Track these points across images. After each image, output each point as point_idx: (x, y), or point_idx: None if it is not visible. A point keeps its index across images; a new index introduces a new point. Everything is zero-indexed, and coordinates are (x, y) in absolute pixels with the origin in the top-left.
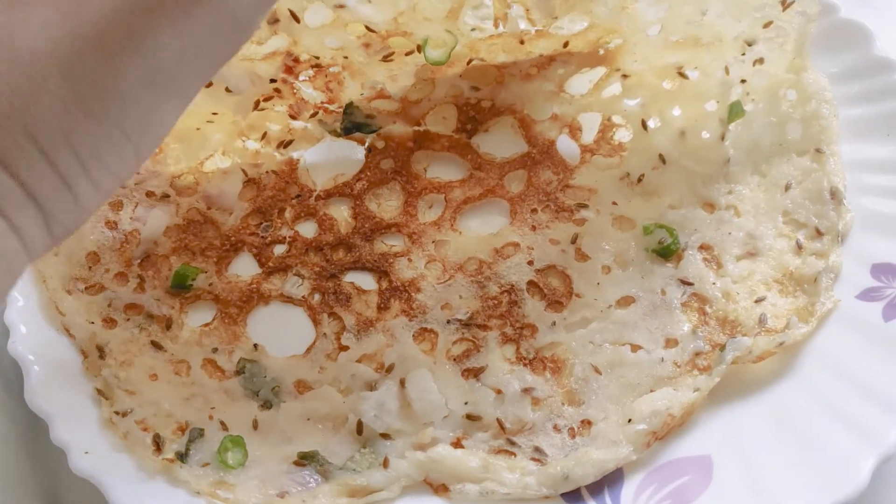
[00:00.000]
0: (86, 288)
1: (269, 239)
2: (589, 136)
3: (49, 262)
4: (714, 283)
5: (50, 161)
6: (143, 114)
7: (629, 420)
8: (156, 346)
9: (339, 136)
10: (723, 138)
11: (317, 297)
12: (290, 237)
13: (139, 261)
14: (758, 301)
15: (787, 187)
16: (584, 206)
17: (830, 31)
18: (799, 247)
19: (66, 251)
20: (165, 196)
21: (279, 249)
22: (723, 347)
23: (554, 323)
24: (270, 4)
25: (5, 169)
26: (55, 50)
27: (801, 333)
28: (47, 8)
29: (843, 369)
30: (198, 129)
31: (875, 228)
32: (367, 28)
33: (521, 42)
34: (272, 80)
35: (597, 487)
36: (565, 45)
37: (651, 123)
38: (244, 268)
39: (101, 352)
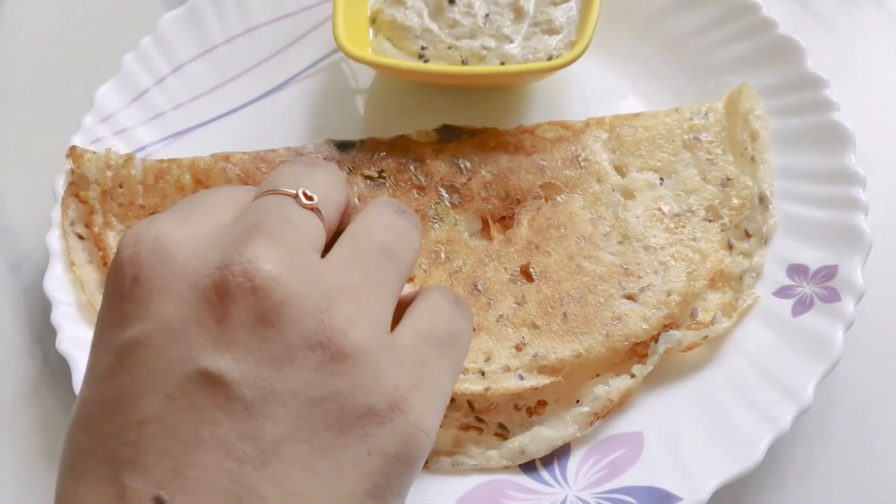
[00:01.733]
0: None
1: None
2: None
3: (86, 269)
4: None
5: None
6: None
7: (577, 401)
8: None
9: None
10: None
11: None
12: None
13: None
14: None
15: (727, 183)
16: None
17: (767, 47)
18: (730, 246)
19: (98, 260)
20: None
21: None
22: (656, 339)
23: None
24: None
25: None
26: None
27: (723, 328)
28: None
29: (756, 359)
30: None
31: (794, 232)
32: None
33: None
34: None
35: (548, 459)
36: None
37: None
38: None
39: None
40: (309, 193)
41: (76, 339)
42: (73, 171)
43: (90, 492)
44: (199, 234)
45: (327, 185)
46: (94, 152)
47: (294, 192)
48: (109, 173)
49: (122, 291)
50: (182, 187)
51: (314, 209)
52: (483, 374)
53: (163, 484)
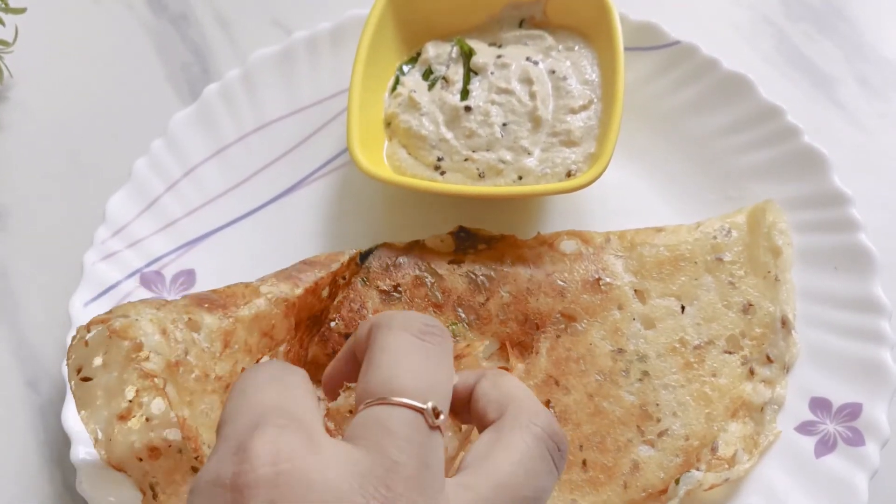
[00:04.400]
0: (119, 417)
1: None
2: None
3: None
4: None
5: None
6: None
7: None
8: (195, 470)
9: None
10: None
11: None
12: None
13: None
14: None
15: (748, 309)
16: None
17: (792, 156)
18: (751, 372)
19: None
20: None
21: None
22: (678, 481)
23: None
24: None
25: None
26: None
27: (744, 469)
28: None
29: (775, 501)
30: None
31: (817, 361)
32: None
33: None
34: None
35: None
36: None
37: None
38: None
39: (154, 491)
40: (438, 409)
41: (94, 480)
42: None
43: None
44: (335, 466)
45: (434, 374)
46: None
47: (422, 406)
48: (159, 338)
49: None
50: (250, 349)
51: (440, 428)
52: None
53: None
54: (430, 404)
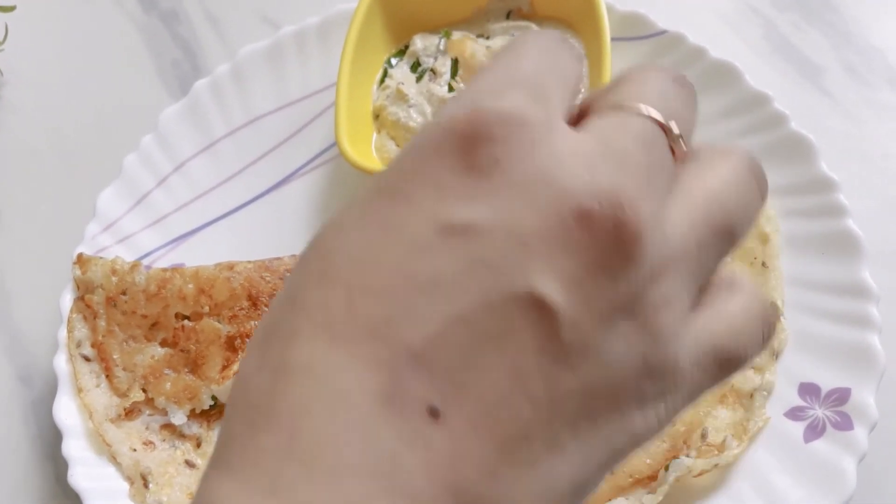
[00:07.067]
0: (126, 413)
1: None
2: None
3: (94, 394)
4: None
5: None
6: None
7: None
8: (189, 464)
9: None
10: None
11: None
12: None
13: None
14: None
15: None
16: None
17: (779, 143)
18: None
19: (104, 381)
20: None
21: None
22: (667, 467)
23: None
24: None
25: None
26: None
27: (733, 455)
28: None
29: (764, 486)
30: None
31: (805, 347)
32: None
33: None
34: None
35: None
36: None
37: None
38: None
39: (145, 480)
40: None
41: (87, 473)
42: (77, 281)
43: (351, 363)
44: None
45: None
46: (102, 258)
47: (669, 124)
48: (115, 279)
49: (471, 163)
50: (184, 297)
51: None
52: None
53: (444, 394)
54: (675, 127)
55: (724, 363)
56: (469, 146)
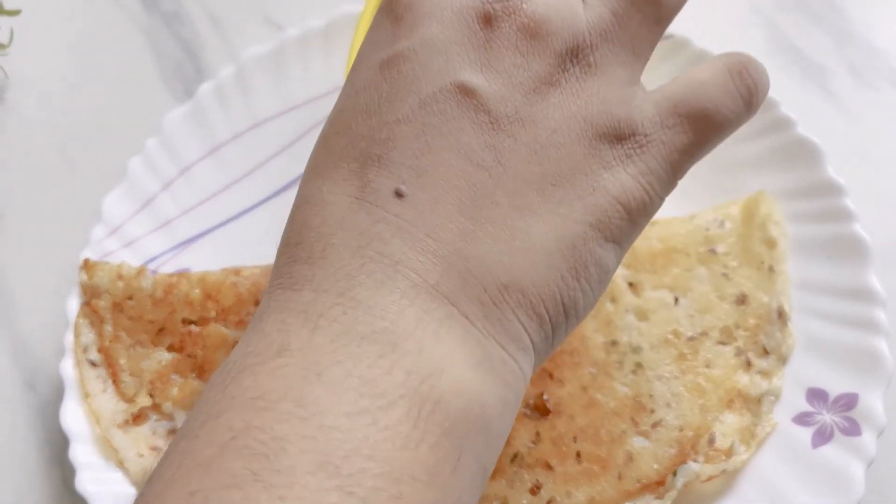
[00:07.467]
0: (133, 419)
1: None
2: None
3: (101, 399)
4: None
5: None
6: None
7: None
8: None
9: None
10: None
11: None
12: None
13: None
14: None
15: (742, 300)
16: None
17: (786, 147)
18: (748, 363)
19: (111, 386)
20: None
21: None
22: (675, 473)
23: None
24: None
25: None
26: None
27: (741, 460)
28: None
29: (772, 492)
30: None
31: (813, 352)
32: None
33: None
34: None
35: None
36: None
37: None
38: None
39: None
40: None
41: (94, 478)
42: (83, 287)
43: (334, 186)
44: None
45: None
46: (108, 263)
47: None
48: (121, 284)
49: (394, 16)
50: (191, 302)
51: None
52: None
53: (405, 179)
54: None
55: (693, 117)
56: (392, 6)
